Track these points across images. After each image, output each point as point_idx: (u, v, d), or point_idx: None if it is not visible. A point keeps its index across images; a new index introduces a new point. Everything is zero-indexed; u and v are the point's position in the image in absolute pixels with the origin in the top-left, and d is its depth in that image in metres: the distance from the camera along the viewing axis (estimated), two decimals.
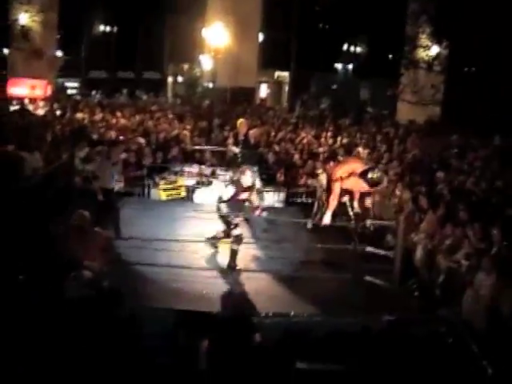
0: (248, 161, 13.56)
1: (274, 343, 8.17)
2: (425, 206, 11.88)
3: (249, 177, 10.40)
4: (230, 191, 10.41)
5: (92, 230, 8.51)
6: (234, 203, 10.37)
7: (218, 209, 10.48)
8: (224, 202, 10.41)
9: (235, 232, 10.30)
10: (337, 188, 10.10)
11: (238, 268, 10.17)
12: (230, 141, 14.20)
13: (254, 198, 10.85)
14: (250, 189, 10.50)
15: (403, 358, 7.88)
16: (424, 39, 23.03)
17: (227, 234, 10.53)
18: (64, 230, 8.90)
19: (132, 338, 7.50)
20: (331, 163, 11.25)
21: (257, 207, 10.77)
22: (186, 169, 15.15)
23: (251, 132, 13.82)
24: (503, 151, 16.72)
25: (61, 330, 7.16)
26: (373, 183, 9.87)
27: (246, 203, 10.70)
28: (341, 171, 10.27)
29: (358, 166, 10.25)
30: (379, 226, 11.63)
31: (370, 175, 9.76)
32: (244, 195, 10.46)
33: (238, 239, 10.28)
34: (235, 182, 10.62)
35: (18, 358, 6.82)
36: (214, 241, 10.78)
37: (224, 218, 10.39)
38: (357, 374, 7.64)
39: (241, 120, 14.27)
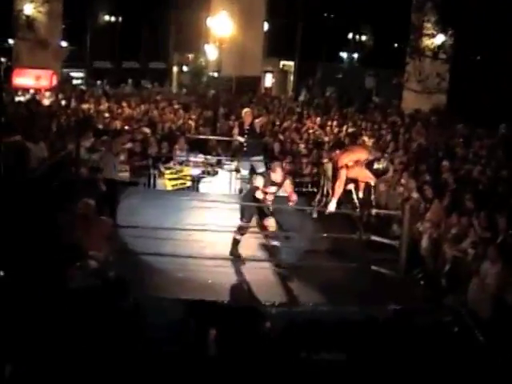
0: (253, 150, 13.56)
1: (279, 333, 8.20)
2: (430, 195, 11.87)
3: (279, 174, 10.19)
4: (259, 181, 10.24)
5: (97, 219, 8.52)
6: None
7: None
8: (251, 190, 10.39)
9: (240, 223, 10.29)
10: (342, 175, 10.08)
11: (242, 257, 10.17)
12: (236, 130, 14.14)
13: (288, 187, 10.52)
14: (277, 184, 10.31)
15: (409, 348, 7.91)
16: (429, 27, 22.93)
17: (260, 225, 10.52)
18: (69, 219, 8.92)
19: (138, 327, 7.52)
20: (337, 151, 11.18)
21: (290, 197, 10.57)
22: (192, 158, 15.14)
23: (256, 121, 13.80)
24: (508, 140, 16.67)
25: (65, 320, 7.19)
26: (379, 173, 9.85)
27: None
28: (347, 159, 10.25)
29: (364, 155, 10.23)
30: (384, 215, 11.62)
31: (375, 165, 9.75)
32: (272, 189, 10.30)
33: (243, 229, 10.26)
34: (264, 175, 10.53)
35: (22, 348, 6.85)
36: (242, 231, 10.47)
37: (260, 208, 10.27)
38: (362, 363, 7.67)
39: (246, 110, 14.25)
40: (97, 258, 8.11)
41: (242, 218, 10.24)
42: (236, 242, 10.26)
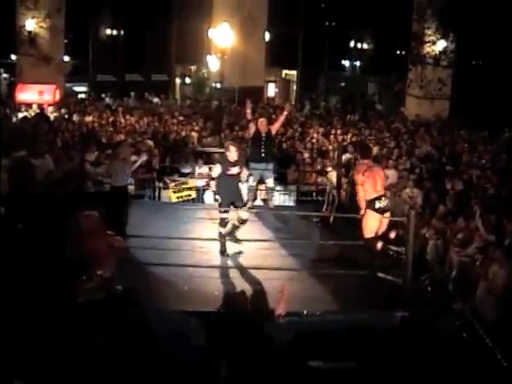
0: (268, 158, 13.33)
1: (287, 342, 8.18)
2: (435, 200, 11.87)
3: (234, 152, 10.64)
4: (217, 169, 10.76)
5: (102, 232, 8.51)
6: (227, 178, 10.65)
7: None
8: (214, 179, 10.85)
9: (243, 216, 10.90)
10: (360, 192, 10.07)
11: (227, 253, 10.68)
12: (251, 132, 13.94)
13: (244, 172, 11.35)
14: (237, 163, 10.72)
15: (418, 354, 7.89)
16: (430, 34, 22.97)
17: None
18: (75, 232, 8.92)
19: (147, 340, 7.50)
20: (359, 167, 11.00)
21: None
22: (196, 170, 15.17)
23: (273, 127, 13.54)
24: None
25: (74, 335, 7.19)
26: (380, 211, 9.85)
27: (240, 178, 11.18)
28: (363, 178, 10.16)
29: (380, 174, 10.20)
30: (390, 221, 11.62)
31: (377, 205, 9.75)
32: (234, 170, 10.70)
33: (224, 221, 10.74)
34: (221, 160, 10.98)
35: (30, 363, 6.85)
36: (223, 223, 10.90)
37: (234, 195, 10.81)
38: (372, 371, 7.65)
39: (261, 119, 13.89)
40: (104, 271, 8.10)
41: (219, 207, 10.80)
42: (222, 236, 10.71)
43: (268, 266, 10.36)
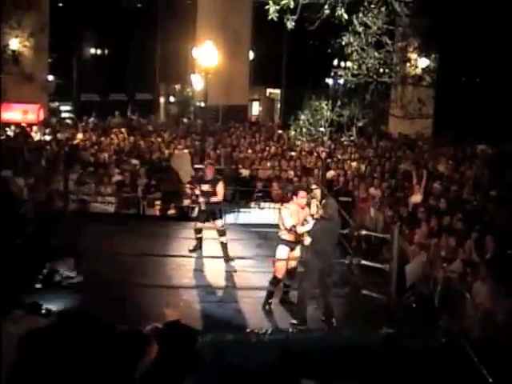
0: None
1: (273, 360, 8.15)
2: (419, 217, 11.91)
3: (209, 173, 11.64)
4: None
5: None
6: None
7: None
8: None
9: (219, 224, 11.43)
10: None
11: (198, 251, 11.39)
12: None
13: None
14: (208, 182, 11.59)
15: (403, 372, 7.88)
16: (411, 54, 23.09)
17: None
18: None
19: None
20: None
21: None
22: (181, 188, 15.14)
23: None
24: (494, 160, 16.81)
25: None
26: None
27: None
28: None
29: None
30: (374, 238, 11.66)
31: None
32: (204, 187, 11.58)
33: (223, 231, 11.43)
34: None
35: None
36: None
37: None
38: None
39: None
40: None
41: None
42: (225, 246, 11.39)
43: (251, 285, 10.34)
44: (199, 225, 11.83)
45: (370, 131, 25.91)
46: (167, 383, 6.35)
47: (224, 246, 11.39)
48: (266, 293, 9.55)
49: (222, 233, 11.52)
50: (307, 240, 9.35)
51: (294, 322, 8.95)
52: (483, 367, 7.55)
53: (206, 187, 11.51)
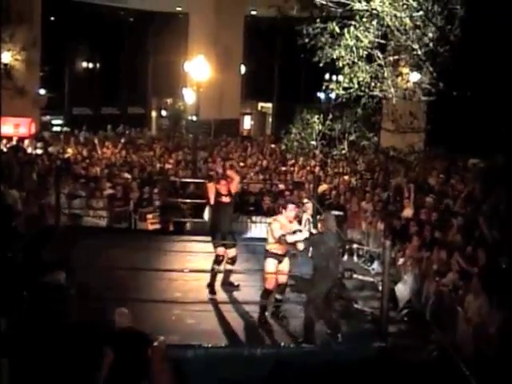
0: None
1: (265, 374, 8.13)
2: (411, 231, 11.92)
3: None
4: None
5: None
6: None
7: None
8: None
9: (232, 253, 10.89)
10: None
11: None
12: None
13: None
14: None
15: None
16: (402, 68, 23.15)
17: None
18: None
19: None
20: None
21: None
22: (173, 202, 15.11)
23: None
24: (485, 173, 16.83)
25: None
26: None
27: None
28: None
29: None
30: (367, 252, 11.66)
31: None
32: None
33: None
34: None
35: None
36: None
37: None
38: None
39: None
40: None
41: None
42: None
43: (241, 300, 10.31)
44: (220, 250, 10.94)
45: (362, 145, 25.98)
46: None
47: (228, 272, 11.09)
48: (259, 308, 9.52)
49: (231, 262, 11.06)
50: (300, 246, 9.49)
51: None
52: (475, 381, 7.54)
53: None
